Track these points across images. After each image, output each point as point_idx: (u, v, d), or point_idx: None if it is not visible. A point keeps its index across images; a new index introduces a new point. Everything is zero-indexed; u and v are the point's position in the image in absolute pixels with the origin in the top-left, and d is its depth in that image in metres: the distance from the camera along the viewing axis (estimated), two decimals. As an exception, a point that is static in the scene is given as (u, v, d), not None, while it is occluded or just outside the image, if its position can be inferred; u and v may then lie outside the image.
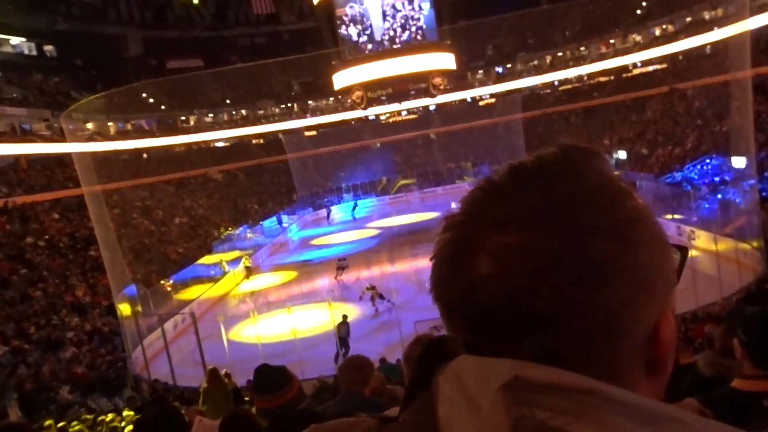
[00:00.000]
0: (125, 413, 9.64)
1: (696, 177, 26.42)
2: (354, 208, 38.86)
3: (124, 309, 17.83)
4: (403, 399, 0.53)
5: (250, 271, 25.94)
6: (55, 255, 23.91)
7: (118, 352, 17.10)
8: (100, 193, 21.19)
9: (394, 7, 40.19)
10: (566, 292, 0.44)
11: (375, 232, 32.24)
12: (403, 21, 42.30)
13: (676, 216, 21.19)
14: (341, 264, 21.94)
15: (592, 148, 0.53)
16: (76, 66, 45.13)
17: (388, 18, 41.95)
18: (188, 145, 47.38)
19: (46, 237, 25.29)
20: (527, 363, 0.43)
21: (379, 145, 50.51)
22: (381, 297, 17.03)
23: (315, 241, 32.46)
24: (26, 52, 43.00)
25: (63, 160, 32.38)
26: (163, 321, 16.48)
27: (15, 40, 42.11)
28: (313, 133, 51.12)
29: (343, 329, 14.82)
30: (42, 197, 29.30)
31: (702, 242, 18.19)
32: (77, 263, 23.71)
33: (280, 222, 37.60)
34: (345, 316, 15.14)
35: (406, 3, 40.84)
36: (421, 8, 41.68)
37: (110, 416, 9.14)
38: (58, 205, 29.20)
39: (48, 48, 44.93)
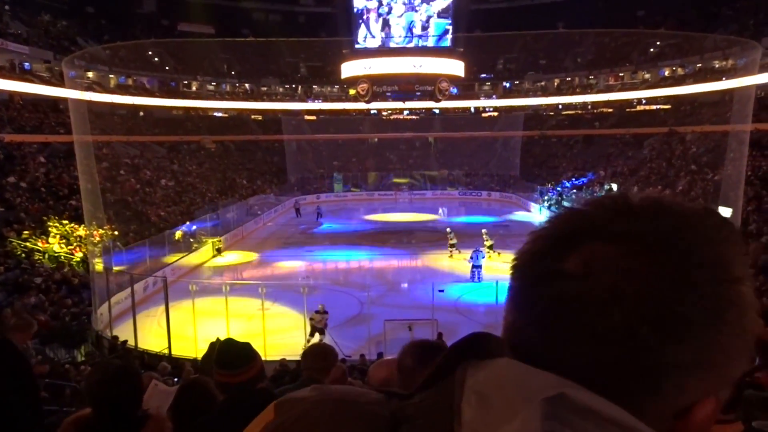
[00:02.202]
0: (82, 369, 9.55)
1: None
2: (318, 216, 33.53)
3: (97, 263, 17.66)
4: (423, 380, 0.53)
5: (220, 252, 25.11)
6: (36, 199, 23.60)
7: (85, 305, 16.93)
8: (91, 144, 20.96)
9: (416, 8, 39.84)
10: (634, 326, 0.43)
11: (360, 224, 32.18)
12: (425, 23, 42.30)
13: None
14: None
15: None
16: (86, 13, 44.49)
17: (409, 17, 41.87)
18: (186, 110, 47.00)
19: (29, 179, 24.96)
20: (574, 384, 0.43)
21: (376, 140, 50.47)
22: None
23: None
24: (38, -10, 42.33)
25: (58, 105, 31.95)
26: (135, 281, 16.32)
27: (28, -23, 41.47)
28: (313, 118, 50.98)
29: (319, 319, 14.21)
30: (31, 138, 28.91)
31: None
32: (56, 210, 23.41)
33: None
34: (322, 306, 14.53)
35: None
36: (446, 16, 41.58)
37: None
38: (45, 149, 28.83)
39: (61, -10, 44.33)
